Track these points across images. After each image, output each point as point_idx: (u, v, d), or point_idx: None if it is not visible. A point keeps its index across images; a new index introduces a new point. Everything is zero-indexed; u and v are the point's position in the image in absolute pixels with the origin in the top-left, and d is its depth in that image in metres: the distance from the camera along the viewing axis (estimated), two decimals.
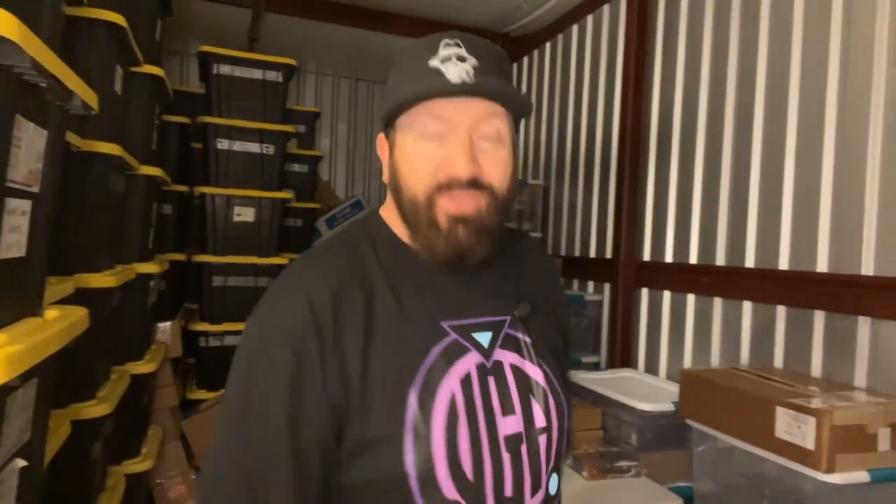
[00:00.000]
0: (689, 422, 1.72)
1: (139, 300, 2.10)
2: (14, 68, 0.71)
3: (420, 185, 0.76)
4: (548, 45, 3.35)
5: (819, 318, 1.73)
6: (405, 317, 0.76)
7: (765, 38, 1.98)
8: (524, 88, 3.60)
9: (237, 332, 2.90)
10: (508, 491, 0.74)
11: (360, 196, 4.43)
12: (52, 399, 0.99)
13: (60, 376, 1.02)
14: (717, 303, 2.10)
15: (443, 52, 0.76)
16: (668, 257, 2.35)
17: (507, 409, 0.77)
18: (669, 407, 1.89)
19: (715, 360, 2.10)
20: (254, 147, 2.89)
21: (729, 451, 1.60)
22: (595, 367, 2.64)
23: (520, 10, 3.16)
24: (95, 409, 1.50)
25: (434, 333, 0.76)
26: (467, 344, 0.77)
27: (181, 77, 3.92)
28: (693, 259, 2.23)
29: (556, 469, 0.81)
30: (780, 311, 1.85)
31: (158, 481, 2.52)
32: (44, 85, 0.79)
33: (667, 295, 2.34)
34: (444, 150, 0.76)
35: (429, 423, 0.71)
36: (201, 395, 2.86)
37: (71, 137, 1.32)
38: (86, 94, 0.95)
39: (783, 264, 1.86)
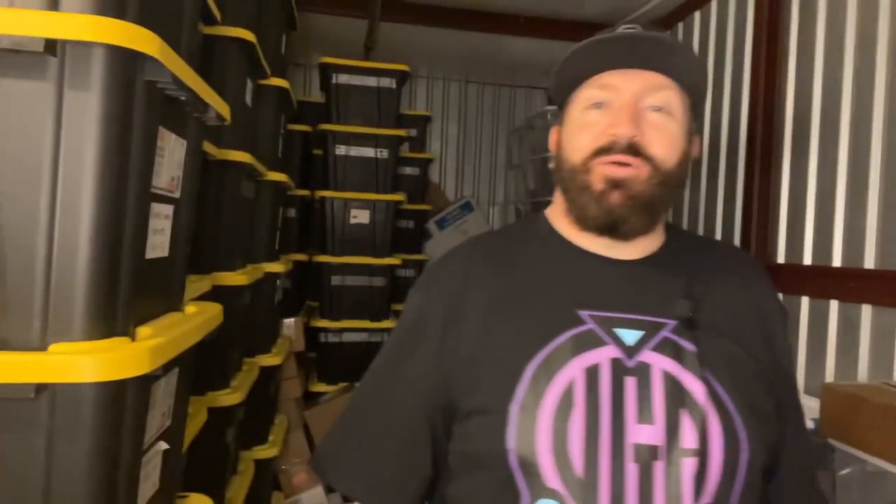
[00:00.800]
0: (832, 442, 1.55)
1: (267, 297, 2.23)
2: (157, 83, 0.77)
3: (580, 149, 0.76)
4: (672, 33, 3.19)
5: None
6: (540, 299, 0.75)
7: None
8: None
9: (355, 329, 3.03)
10: None
11: (469, 198, 4.46)
12: (190, 388, 1.08)
13: (198, 367, 1.11)
14: (866, 310, 1.88)
15: (619, 30, 0.75)
16: (807, 259, 2.14)
17: (645, 417, 0.69)
18: (808, 424, 1.72)
19: (863, 374, 1.88)
20: (369, 152, 3.00)
21: (880, 477, 1.43)
22: None
23: (634, 1, 3.03)
24: (230, 397, 1.62)
25: (567, 319, 0.73)
26: (605, 337, 0.72)
27: (304, 88, 4.15)
28: (837, 261, 2.01)
29: None
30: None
31: (283, 468, 2.68)
32: (183, 98, 0.86)
33: (805, 301, 2.13)
34: (608, 114, 0.75)
35: (539, 402, 0.69)
36: (322, 387, 3.01)
37: (207, 146, 1.43)
38: (220, 107, 1.03)
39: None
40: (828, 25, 2.11)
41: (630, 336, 0.72)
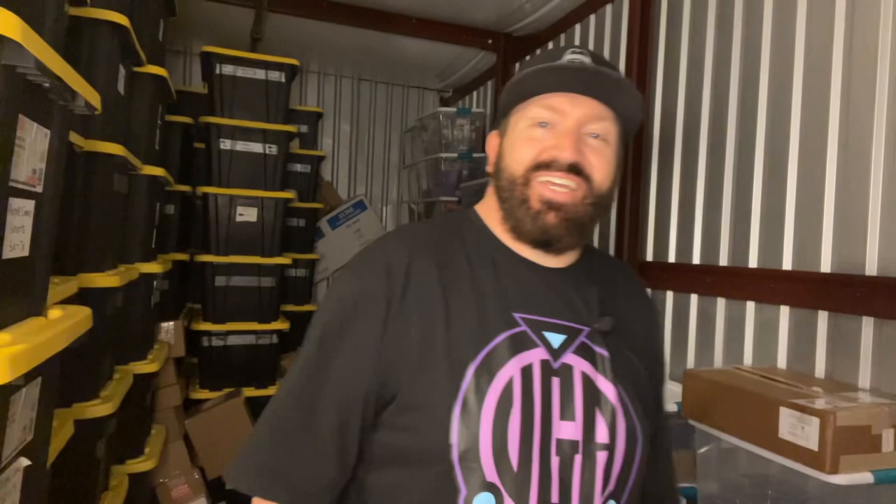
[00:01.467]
0: (692, 423, 1.71)
1: (142, 300, 2.10)
2: (17, 68, 0.71)
3: (522, 161, 0.80)
4: (550, 45, 3.35)
5: (823, 318, 1.72)
6: (478, 299, 0.78)
7: (768, 36, 1.97)
8: None
9: (240, 332, 2.91)
10: (554, 497, 0.72)
11: (362, 196, 4.43)
12: (55, 398, 1.00)
13: (64, 376, 1.03)
14: (720, 303, 2.10)
15: (568, 56, 0.80)
16: (671, 257, 2.35)
17: (567, 414, 0.75)
18: (672, 408, 1.88)
19: (718, 360, 2.10)
20: (256, 147, 2.90)
21: (733, 452, 1.60)
22: None
23: (522, 10, 3.16)
24: (99, 408, 1.51)
25: (504, 320, 0.77)
26: (536, 339, 0.77)
27: (184, 77, 3.92)
28: (696, 259, 2.23)
29: (616, 496, 0.77)
30: (784, 311, 1.85)
31: (161, 481, 2.52)
32: (47, 85, 0.79)
33: (669, 295, 2.34)
34: (552, 134, 0.79)
35: (482, 401, 0.72)
36: (204, 394, 2.87)
37: (74, 137, 1.32)
38: (89, 94, 0.96)
39: (787, 264, 1.86)
40: (690, 43, 2.32)
41: (555, 339, 0.78)
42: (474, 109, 3.76)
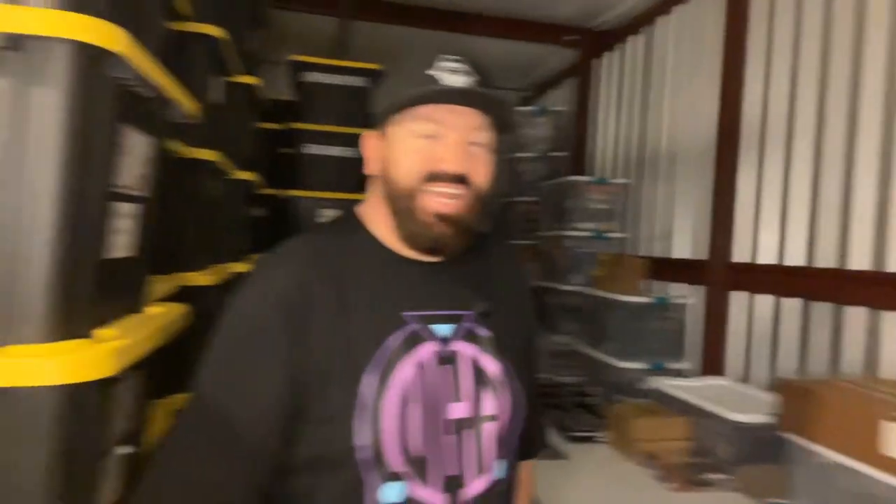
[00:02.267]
0: (787, 435, 1.60)
1: None
2: (121, 80, 0.76)
3: (409, 174, 0.84)
4: (633, 39, 3.24)
5: None
6: (370, 305, 0.84)
7: (882, 23, 1.81)
8: (606, 84, 3.49)
9: None
10: (453, 470, 0.83)
11: None
12: (155, 391, 1.06)
13: (163, 370, 1.09)
14: (820, 308, 1.95)
15: (442, 63, 0.85)
16: (766, 258, 2.21)
17: (459, 396, 0.84)
18: (765, 418, 1.77)
19: (816, 368, 1.95)
20: (338, 151, 2.98)
21: (832, 468, 1.48)
22: (679, 373, 2.52)
23: (605, 4, 3.08)
24: None
25: (394, 321, 0.84)
26: (426, 333, 0.85)
27: (274, 85, 4.10)
28: (793, 261, 2.08)
29: (506, 456, 0.90)
30: (890, 316, 1.69)
31: None
32: (149, 95, 0.84)
33: (763, 298, 2.20)
34: (437, 146, 0.83)
35: (381, 402, 0.79)
36: None
37: (173, 145, 1.41)
38: (187, 104, 1.01)
39: (893, 266, 1.70)
40: (791, 30, 2.17)
41: (443, 329, 0.86)
42: (554, 108, 3.70)
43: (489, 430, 0.86)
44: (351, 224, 0.92)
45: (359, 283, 0.85)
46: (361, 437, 0.78)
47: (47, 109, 0.68)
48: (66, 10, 0.67)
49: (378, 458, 0.78)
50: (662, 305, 2.54)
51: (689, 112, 2.72)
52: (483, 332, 0.89)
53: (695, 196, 2.64)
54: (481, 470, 0.85)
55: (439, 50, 0.86)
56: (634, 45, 3.21)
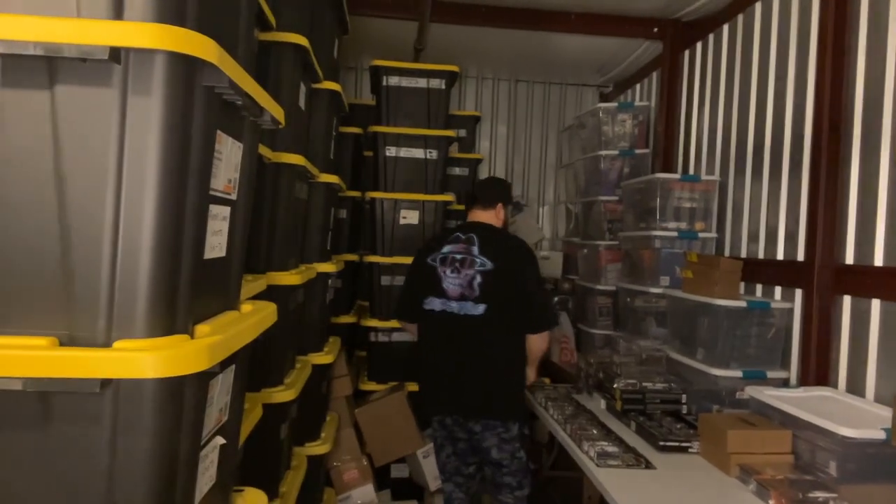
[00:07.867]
0: None
1: (319, 296, 2.28)
2: (215, 88, 0.80)
3: None
4: (725, 28, 3.07)
5: None
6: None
7: None
8: (696, 78, 3.33)
9: (403, 329, 3.05)
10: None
11: (518, 197, 4.42)
12: (246, 384, 1.11)
13: (253, 364, 1.14)
14: None
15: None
16: (878, 260, 2.03)
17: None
18: (879, 434, 1.62)
19: None
20: (418, 153, 3.02)
21: None
22: (784, 383, 2.35)
23: None
24: (284, 394, 1.65)
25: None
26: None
27: (355, 90, 4.21)
28: None
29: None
30: None
31: (335, 464, 2.72)
32: (240, 103, 0.88)
33: (876, 304, 2.02)
34: None
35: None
36: (371, 386, 3.04)
37: (262, 149, 1.47)
38: (275, 110, 1.05)
39: None
40: None
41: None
42: (637, 103, 3.57)
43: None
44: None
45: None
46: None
47: (148, 117, 0.72)
48: (163, 22, 0.71)
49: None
50: (764, 311, 2.36)
51: (782, 103, 2.55)
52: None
53: (790, 193, 2.47)
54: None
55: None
56: (723, 35, 3.05)
